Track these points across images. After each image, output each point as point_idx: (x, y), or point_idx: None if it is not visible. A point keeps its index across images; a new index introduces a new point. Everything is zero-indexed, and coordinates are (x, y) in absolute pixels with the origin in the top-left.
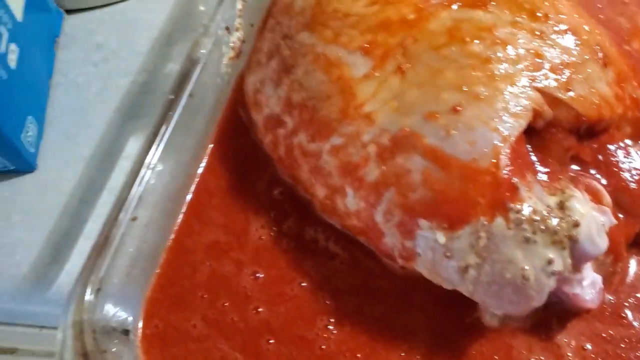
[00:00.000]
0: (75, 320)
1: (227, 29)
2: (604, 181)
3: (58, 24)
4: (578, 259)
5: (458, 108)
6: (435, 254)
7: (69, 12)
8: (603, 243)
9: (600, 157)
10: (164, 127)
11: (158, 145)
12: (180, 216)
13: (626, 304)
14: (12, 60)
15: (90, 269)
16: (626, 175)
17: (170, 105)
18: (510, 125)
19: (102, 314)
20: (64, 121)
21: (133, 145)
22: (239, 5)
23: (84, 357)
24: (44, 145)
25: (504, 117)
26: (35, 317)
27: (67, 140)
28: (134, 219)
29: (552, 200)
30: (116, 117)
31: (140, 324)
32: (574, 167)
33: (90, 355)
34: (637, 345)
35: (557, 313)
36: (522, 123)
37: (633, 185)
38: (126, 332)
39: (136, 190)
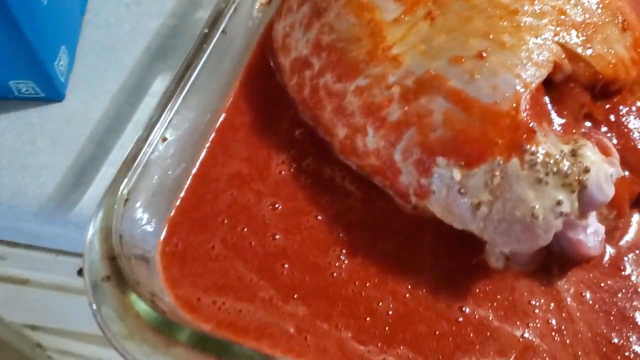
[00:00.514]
0: (103, 225)
1: None
2: (614, 140)
3: None
4: (585, 204)
5: (484, 54)
6: (450, 191)
7: None
8: (610, 191)
9: (612, 117)
10: (195, 63)
11: (188, 80)
12: (206, 148)
13: (625, 258)
14: None
15: (121, 180)
16: (635, 135)
17: (204, 40)
18: (532, 74)
19: (128, 224)
20: (94, 57)
21: (159, 84)
22: None
23: (110, 260)
24: (73, 77)
25: (527, 65)
26: (55, 240)
27: (95, 74)
28: (164, 139)
29: (566, 147)
30: (145, 57)
31: (162, 240)
32: (587, 124)
33: (117, 258)
34: (632, 296)
35: (558, 261)
36: (543, 72)
37: None
38: (148, 246)
39: (167, 115)
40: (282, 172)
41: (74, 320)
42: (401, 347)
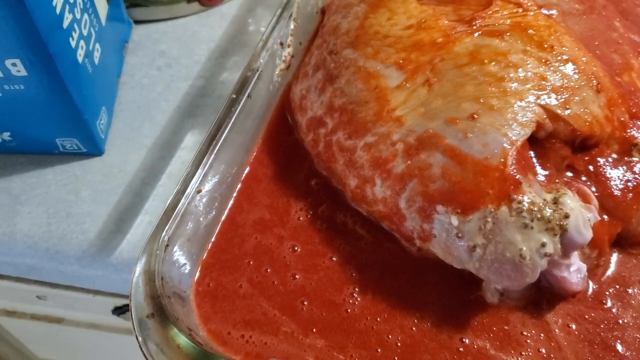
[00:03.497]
0: (146, 268)
1: (281, 44)
2: (593, 188)
3: (128, 32)
4: (567, 246)
5: (475, 116)
6: (449, 235)
7: (138, 22)
8: (588, 234)
9: (591, 167)
10: (225, 124)
11: (220, 139)
12: (233, 197)
13: (607, 292)
14: (96, 57)
15: (162, 228)
16: (611, 184)
17: (233, 103)
18: (518, 132)
19: (167, 266)
20: (130, 115)
21: (190, 139)
22: (292, 26)
23: (153, 299)
24: (111, 133)
25: (512, 125)
26: (94, 281)
27: (131, 130)
28: (199, 191)
29: (548, 196)
30: (175, 114)
31: (196, 281)
32: (569, 174)
33: (160, 297)
34: (613, 327)
35: (547, 296)
36: (527, 131)
37: (617, 193)
38: (184, 286)
39: (201, 170)
40: (300, 218)
41: (102, 357)
42: None
